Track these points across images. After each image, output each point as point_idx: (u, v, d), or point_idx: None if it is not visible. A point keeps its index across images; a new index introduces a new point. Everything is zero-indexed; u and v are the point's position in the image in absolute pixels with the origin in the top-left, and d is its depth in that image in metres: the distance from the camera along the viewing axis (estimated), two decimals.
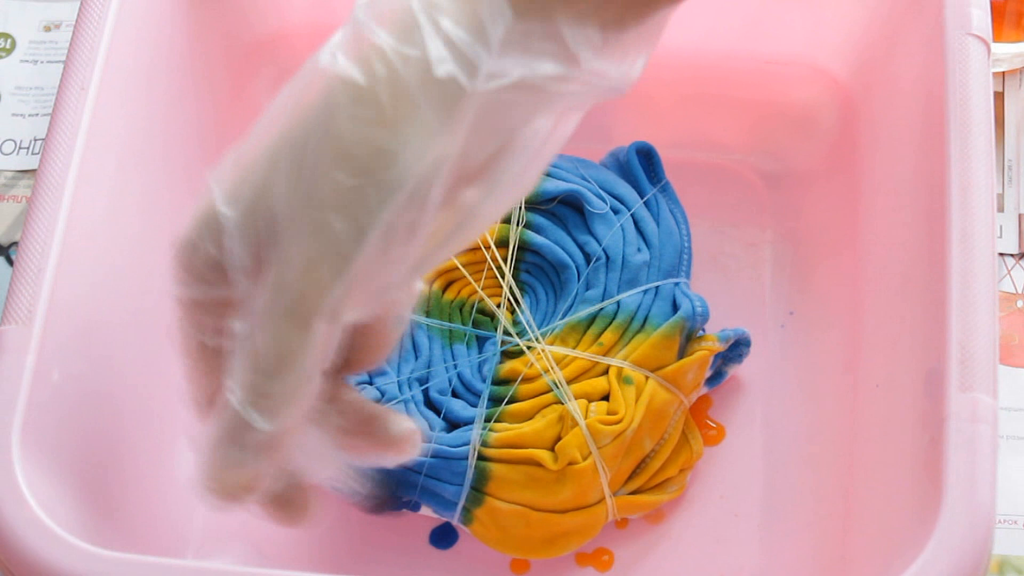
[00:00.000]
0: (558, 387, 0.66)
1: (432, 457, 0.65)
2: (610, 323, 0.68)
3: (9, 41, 0.84)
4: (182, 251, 0.51)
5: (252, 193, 0.49)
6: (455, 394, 0.67)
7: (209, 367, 0.53)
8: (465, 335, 0.68)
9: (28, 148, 0.80)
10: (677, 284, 0.69)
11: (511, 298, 0.69)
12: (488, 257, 0.69)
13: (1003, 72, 0.80)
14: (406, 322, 0.54)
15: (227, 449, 0.50)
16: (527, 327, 0.68)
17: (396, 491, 0.66)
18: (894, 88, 0.69)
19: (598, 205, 0.69)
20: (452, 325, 0.69)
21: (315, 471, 0.54)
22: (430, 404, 0.67)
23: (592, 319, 0.68)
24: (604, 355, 0.67)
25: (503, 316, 0.68)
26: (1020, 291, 0.75)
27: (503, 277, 0.69)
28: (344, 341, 0.51)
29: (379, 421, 0.54)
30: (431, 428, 0.66)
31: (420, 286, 0.54)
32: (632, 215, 0.70)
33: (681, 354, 0.68)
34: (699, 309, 0.68)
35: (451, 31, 0.47)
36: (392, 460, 0.55)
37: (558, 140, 0.51)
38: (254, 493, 0.51)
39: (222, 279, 0.50)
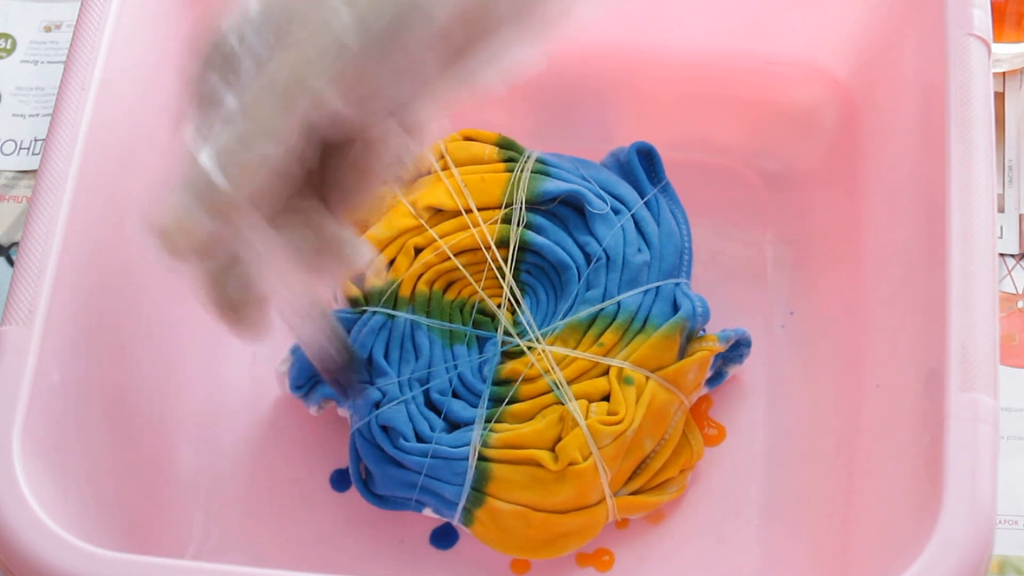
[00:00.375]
0: (558, 387, 0.66)
1: (432, 457, 0.65)
2: (611, 323, 0.68)
3: (9, 41, 0.84)
4: (210, 44, 0.53)
5: None
6: (456, 394, 0.67)
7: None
8: (466, 335, 0.68)
9: (28, 148, 0.80)
10: (678, 284, 0.69)
11: (511, 298, 0.69)
12: (488, 258, 0.69)
13: (1003, 72, 0.80)
14: (399, 160, 0.55)
15: (188, 202, 0.52)
16: (527, 327, 0.68)
17: (358, 366, 0.66)
18: (894, 88, 0.69)
19: (598, 205, 0.69)
20: (453, 326, 0.68)
21: (276, 290, 0.56)
22: (431, 404, 0.67)
23: (593, 319, 0.68)
24: (605, 355, 0.67)
25: (503, 316, 0.68)
26: (1020, 291, 0.75)
27: (503, 277, 0.69)
28: (324, 153, 0.53)
29: (348, 247, 0.56)
30: (432, 429, 0.66)
31: (426, 137, 0.55)
32: (632, 215, 0.70)
33: (681, 354, 0.68)
34: (699, 309, 0.68)
35: None
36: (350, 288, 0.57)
37: (570, 19, 0.55)
38: (199, 256, 0.53)
39: (236, 76, 0.53)
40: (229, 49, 0.53)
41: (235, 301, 0.55)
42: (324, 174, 0.55)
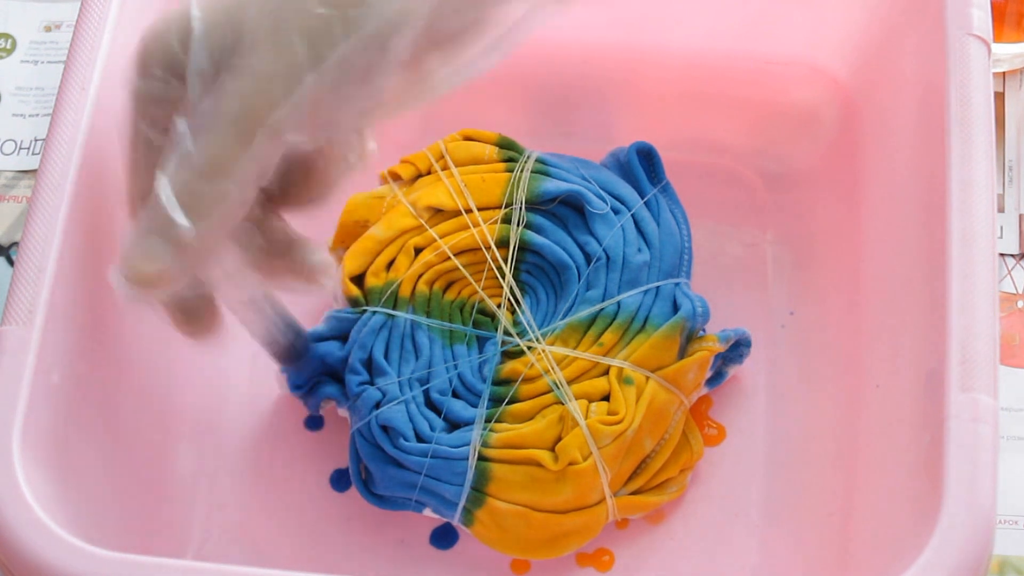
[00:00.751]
0: (558, 387, 0.66)
1: (432, 457, 0.65)
2: (610, 323, 0.68)
3: (9, 41, 0.84)
4: (149, 43, 0.53)
5: (226, 4, 0.52)
6: (456, 394, 0.67)
7: (148, 163, 0.55)
8: (465, 335, 0.68)
9: (28, 148, 0.80)
10: (678, 284, 0.69)
11: (511, 298, 0.69)
12: (488, 257, 0.69)
13: (1003, 72, 0.80)
14: (351, 167, 0.56)
15: (148, 240, 0.52)
16: (527, 327, 0.68)
17: (303, 343, 0.66)
18: (894, 88, 0.69)
19: (598, 205, 0.69)
20: (453, 325, 0.68)
21: (228, 291, 0.58)
22: (431, 404, 0.67)
23: (592, 319, 0.68)
24: (604, 355, 0.67)
25: (503, 316, 0.68)
26: (1020, 291, 0.75)
27: (503, 277, 0.69)
28: (283, 168, 0.54)
29: (300, 249, 0.57)
30: (432, 429, 0.66)
31: (372, 145, 0.56)
32: (632, 215, 0.70)
33: (681, 354, 0.68)
34: (700, 309, 0.68)
35: None
36: (303, 289, 0.58)
37: (529, 27, 0.54)
38: (164, 287, 0.53)
39: (178, 79, 0.53)
40: (173, 58, 0.53)
41: (190, 310, 0.57)
42: (279, 184, 0.56)
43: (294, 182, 0.56)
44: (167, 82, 0.53)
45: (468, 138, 0.72)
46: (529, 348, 0.67)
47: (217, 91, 0.52)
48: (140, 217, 0.54)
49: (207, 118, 0.51)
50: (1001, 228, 0.76)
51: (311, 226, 0.73)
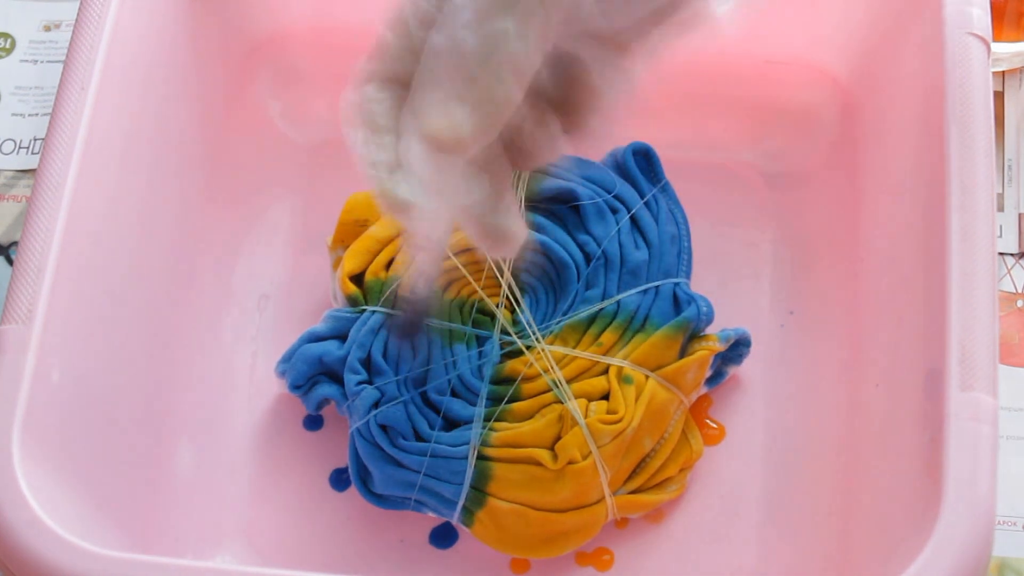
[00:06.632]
0: (558, 386, 0.66)
1: (432, 456, 0.65)
2: (610, 323, 0.68)
3: (9, 41, 0.84)
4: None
5: None
6: (455, 394, 0.67)
7: (403, 50, 0.54)
8: (465, 335, 0.68)
9: (28, 148, 0.81)
10: (677, 284, 0.69)
11: (511, 298, 0.69)
12: (488, 257, 0.69)
13: (1003, 72, 0.80)
14: (623, 87, 0.55)
15: (448, 104, 0.52)
16: (527, 327, 0.68)
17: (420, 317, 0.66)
18: (894, 88, 0.69)
19: (598, 205, 0.69)
20: (452, 325, 0.68)
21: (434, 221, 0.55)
22: (429, 404, 0.67)
23: (592, 319, 0.68)
24: (604, 355, 0.67)
25: (503, 316, 0.68)
26: (1020, 291, 0.75)
27: (503, 276, 0.69)
28: (559, 76, 0.54)
29: (513, 220, 0.56)
30: (431, 428, 0.66)
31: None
32: (632, 215, 0.70)
33: (682, 354, 0.68)
34: (704, 310, 0.68)
35: None
36: (493, 252, 0.57)
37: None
38: (463, 152, 0.53)
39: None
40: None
41: (493, 229, 0.56)
42: (555, 90, 0.55)
43: (571, 91, 0.55)
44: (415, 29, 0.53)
45: None
46: (528, 347, 0.67)
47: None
48: (431, 87, 0.53)
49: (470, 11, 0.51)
50: (1000, 227, 0.76)
51: (311, 226, 0.74)
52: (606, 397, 0.66)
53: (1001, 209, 0.77)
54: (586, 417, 0.65)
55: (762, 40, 0.74)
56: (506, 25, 0.51)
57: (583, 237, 0.69)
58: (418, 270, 0.60)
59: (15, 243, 0.77)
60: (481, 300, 0.69)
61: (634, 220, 0.70)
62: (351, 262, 0.70)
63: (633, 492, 0.67)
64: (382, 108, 0.54)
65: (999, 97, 0.79)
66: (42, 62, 0.83)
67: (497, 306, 0.69)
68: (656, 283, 0.69)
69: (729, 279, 0.73)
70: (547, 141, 0.56)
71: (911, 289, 0.63)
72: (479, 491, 0.65)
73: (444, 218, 0.55)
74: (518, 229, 0.56)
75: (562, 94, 0.55)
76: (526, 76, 0.52)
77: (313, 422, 0.70)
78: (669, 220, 0.70)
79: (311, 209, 0.75)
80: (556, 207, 0.70)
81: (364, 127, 0.54)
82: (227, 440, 0.70)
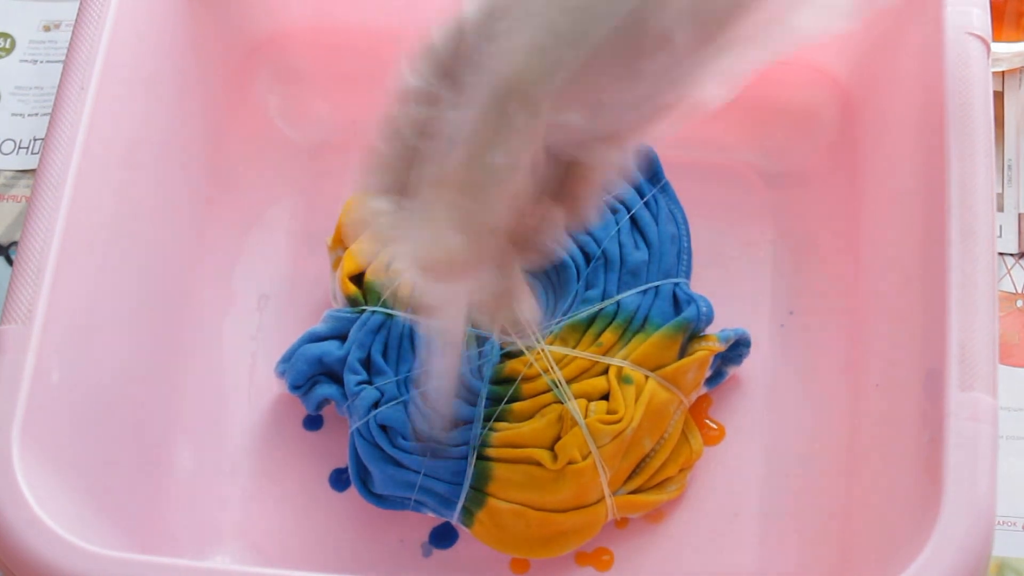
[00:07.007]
0: (558, 387, 0.66)
1: (431, 457, 0.65)
2: (610, 323, 0.68)
3: (9, 41, 0.84)
4: (425, 49, 0.53)
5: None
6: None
7: (398, 159, 0.54)
8: (465, 335, 0.68)
9: (28, 148, 0.81)
10: (677, 284, 0.69)
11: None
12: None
13: (1003, 72, 0.80)
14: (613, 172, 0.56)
15: (438, 230, 0.52)
16: (527, 327, 0.68)
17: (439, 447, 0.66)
18: (894, 88, 0.69)
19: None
20: None
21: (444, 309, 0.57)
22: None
23: (592, 319, 0.68)
24: (604, 355, 0.67)
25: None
26: (1020, 291, 0.75)
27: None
28: (558, 174, 0.54)
29: (516, 295, 0.57)
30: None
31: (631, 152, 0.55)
32: (632, 215, 0.70)
33: (682, 354, 0.68)
34: (704, 310, 0.68)
35: None
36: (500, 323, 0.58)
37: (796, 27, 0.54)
38: (458, 278, 0.54)
39: (446, 78, 0.53)
40: (439, 60, 0.53)
41: (508, 317, 0.57)
42: (556, 186, 0.55)
43: (569, 185, 0.56)
44: (434, 82, 0.53)
45: None
46: (528, 348, 0.67)
47: (475, 67, 0.52)
48: (425, 208, 0.53)
49: (477, 98, 0.51)
50: (1000, 227, 0.76)
51: (311, 226, 0.74)
52: (606, 397, 0.66)
53: (1001, 209, 0.77)
54: (586, 417, 0.65)
55: None
56: (498, 160, 0.51)
57: (583, 237, 0.69)
58: (440, 371, 0.62)
59: (15, 243, 0.77)
60: None
61: (634, 220, 0.70)
62: (351, 262, 0.70)
63: (633, 492, 0.67)
64: (388, 221, 0.54)
65: (999, 97, 0.79)
66: (42, 62, 0.83)
67: None
68: (656, 283, 0.69)
69: (729, 279, 0.73)
70: (551, 232, 0.56)
71: (911, 289, 0.63)
72: (479, 491, 0.65)
73: (457, 320, 0.57)
74: (531, 314, 0.57)
75: (561, 187, 0.56)
76: (519, 197, 0.53)
77: (313, 422, 0.70)
78: (669, 220, 0.70)
79: (311, 209, 0.74)
80: None
81: (374, 240, 0.55)
82: (227, 440, 0.70)
